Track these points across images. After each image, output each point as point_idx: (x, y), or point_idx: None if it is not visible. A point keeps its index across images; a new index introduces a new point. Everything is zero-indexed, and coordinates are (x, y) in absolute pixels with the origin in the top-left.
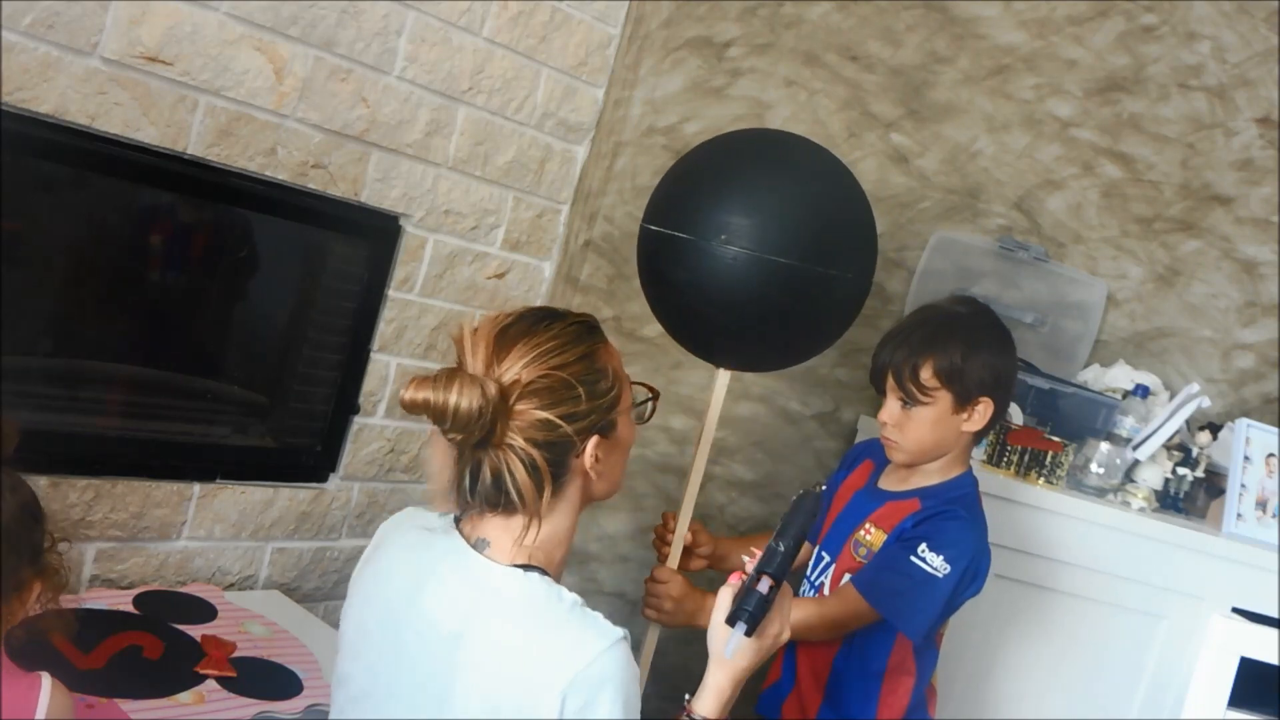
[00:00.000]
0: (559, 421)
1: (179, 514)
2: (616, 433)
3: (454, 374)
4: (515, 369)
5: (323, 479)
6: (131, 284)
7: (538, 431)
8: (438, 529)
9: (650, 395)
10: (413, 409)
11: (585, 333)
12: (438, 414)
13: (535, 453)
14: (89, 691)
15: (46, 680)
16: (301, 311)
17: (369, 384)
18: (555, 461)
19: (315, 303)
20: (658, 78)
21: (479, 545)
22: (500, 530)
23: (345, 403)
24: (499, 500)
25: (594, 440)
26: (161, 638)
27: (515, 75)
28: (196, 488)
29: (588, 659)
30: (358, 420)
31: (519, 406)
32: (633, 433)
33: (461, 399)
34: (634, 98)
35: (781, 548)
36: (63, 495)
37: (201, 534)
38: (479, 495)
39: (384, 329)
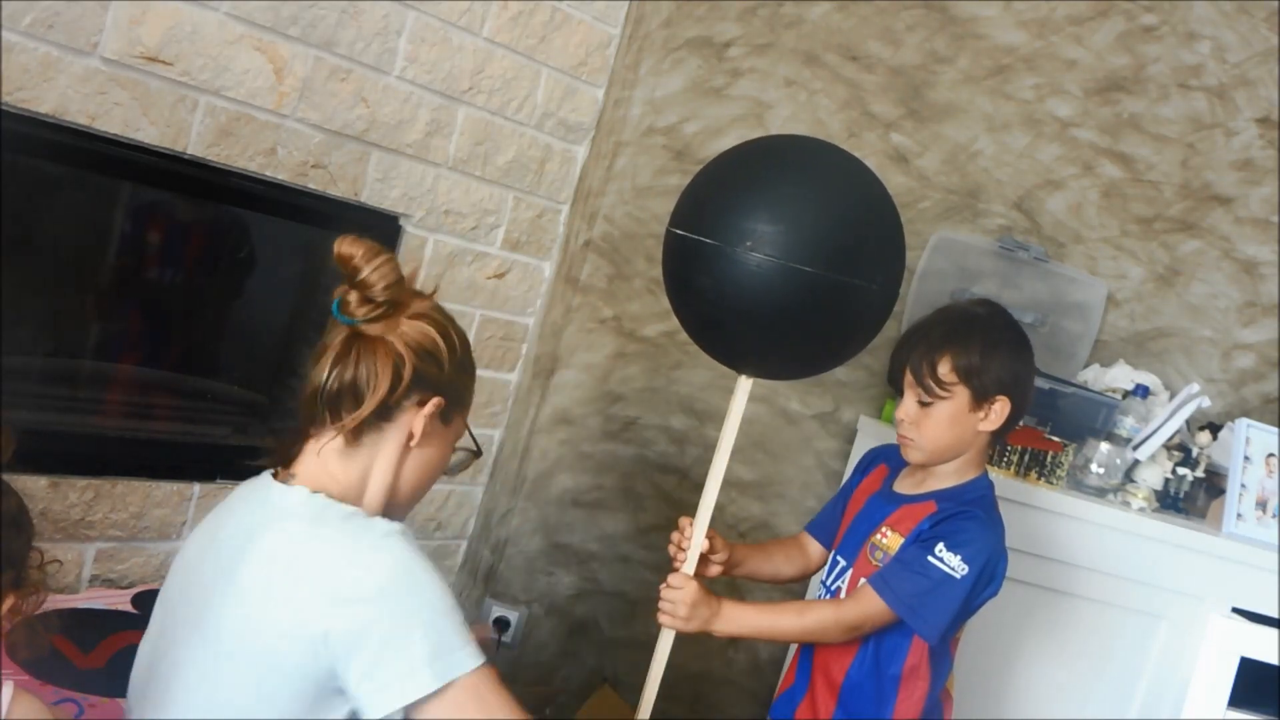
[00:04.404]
0: (431, 350)
1: (179, 514)
2: (448, 427)
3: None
4: (417, 305)
5: None
6: (132, 284)
7: (410, 348)
8: (255, 483)
9: (474, 450)
10: (339, 260)
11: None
12: (355, 267)
13: (407, 355)
14: (89, 691)
15: (8, 688)
16: (301, 311)
17: None
18: (400, 390)
19: (315, 303)
20: (658, 78)
21: (284, 479)
22: (309, 462)
23: None
24: (339, 400)
25: (436, 401)
26: None
27: (515, 75)
28: (196, 488)
29: (356, 567)
30: None
31: (409, 318)
32: (445, 456)
33: (383, 266)
34: (634, 98)
35: None
36: (63, 495)
37: None
38: (327, 396)
39: None
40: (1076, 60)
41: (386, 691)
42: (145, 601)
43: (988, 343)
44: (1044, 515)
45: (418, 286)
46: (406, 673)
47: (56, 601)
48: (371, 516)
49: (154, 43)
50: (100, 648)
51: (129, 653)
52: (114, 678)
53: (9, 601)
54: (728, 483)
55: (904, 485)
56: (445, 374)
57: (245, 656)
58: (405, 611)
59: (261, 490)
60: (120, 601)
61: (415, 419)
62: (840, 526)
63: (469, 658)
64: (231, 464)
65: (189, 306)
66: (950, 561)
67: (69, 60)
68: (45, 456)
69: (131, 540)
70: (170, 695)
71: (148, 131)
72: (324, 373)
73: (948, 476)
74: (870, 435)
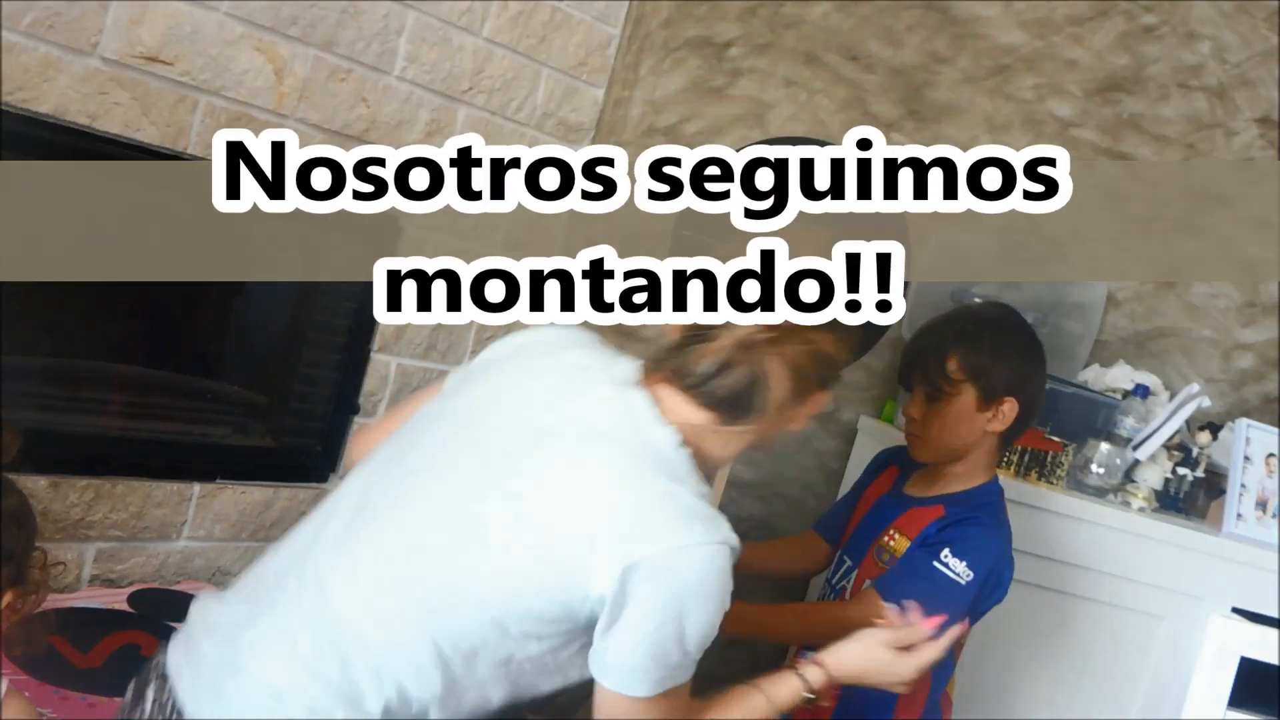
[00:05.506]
0: (838, 357)
1: (179, 514)
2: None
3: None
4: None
5: (323, 479)
6: (131, 284)
7: (815, 350)
8: (619, 373)
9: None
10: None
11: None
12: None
13: (806, 363)
14: (88, 690)
15: (4, 685)
16: (301, 311)
17: (369, 384)
18: (801, 390)
19: (315, 303)
20: (658, 78)
21: (656, 402)
22: (681, 407)
23: (345, 403)
24: (725, 403)
25: (822, 396)
26: (158, 635)
27: (515, 75)
28: (196, 488)
29: (669, 546)
30: (358, 420)
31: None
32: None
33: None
34: (634, 98)
35: None
36: (63, 495)
37: (201, 534)
38: (705, 387)
39: (384, 329)
40: (1076, 60)
41: (606, 670)
42: (142, 601)
43: (998, 343)
44: (1044, 515)
45: None
46: (629, 670)
47: (53, 600)
48: (716, 509)
49: (154, 43)
50: (98, 647)
51: (127, 651)
52: (113, 677)
53: (7, 598)
54: (728, 483)
55: (914, 488)
56: (838, 368)
57: (549, 544)
58: (677, 615)
59: (632, 396)
60: (117, 601)
61: (803, 410)
62: (849, 526)
63: (684, 682)
64: (231, 464)
65: (189, 306)
66: (955, 568)
67: (69, 60)
68: (45, 456)
69: (131, 540)
70: (470, 548)
71: (148, 131)
72: (705, 367)
73: (957, 480)
74: (870, 435)
